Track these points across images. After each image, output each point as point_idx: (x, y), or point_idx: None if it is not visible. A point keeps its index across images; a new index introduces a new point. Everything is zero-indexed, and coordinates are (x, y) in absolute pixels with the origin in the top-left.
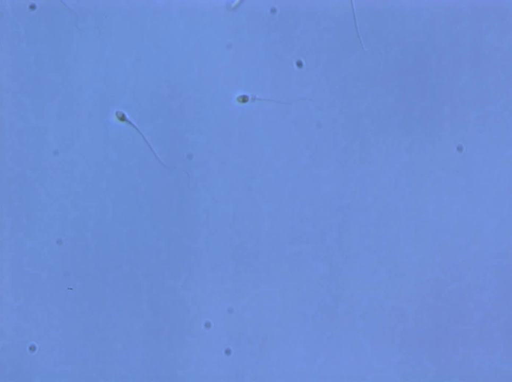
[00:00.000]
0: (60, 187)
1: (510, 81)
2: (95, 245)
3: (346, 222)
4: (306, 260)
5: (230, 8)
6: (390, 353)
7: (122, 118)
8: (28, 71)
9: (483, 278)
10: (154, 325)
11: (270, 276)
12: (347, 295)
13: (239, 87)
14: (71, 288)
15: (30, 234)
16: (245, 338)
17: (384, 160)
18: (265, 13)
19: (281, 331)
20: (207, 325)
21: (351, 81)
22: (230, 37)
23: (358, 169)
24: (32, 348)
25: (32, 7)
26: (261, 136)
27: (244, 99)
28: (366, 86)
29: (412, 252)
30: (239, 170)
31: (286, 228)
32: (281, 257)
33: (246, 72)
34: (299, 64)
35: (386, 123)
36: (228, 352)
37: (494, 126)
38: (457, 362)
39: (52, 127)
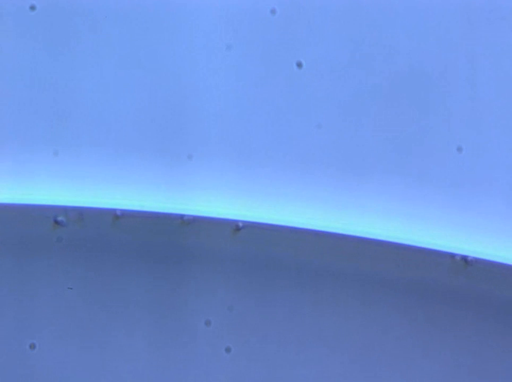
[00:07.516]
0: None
1: (510, 81)
2: None
3: (346, 222)
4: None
5: None
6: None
7: None
8: (27, 72)
9: None
10: (154, 325)
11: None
12: None
13: (239, 87)
14: (71, 288)
15: None
16: (245, 336)
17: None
18: (265, 13)
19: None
20: (208, 323)
21: (351, 81)
22: (230, 38)
23: (358, 169)
24: (32, 346)
25: (32, 7)
26: (261, 136)
27: None
28: (366, 86)
29: None
30: (239, 169)
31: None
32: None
33: (246, 72)
34: (299, 64)
35: (386, 123)
36: (228, 350)
37: (494, 126)
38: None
39: (52, 127)
